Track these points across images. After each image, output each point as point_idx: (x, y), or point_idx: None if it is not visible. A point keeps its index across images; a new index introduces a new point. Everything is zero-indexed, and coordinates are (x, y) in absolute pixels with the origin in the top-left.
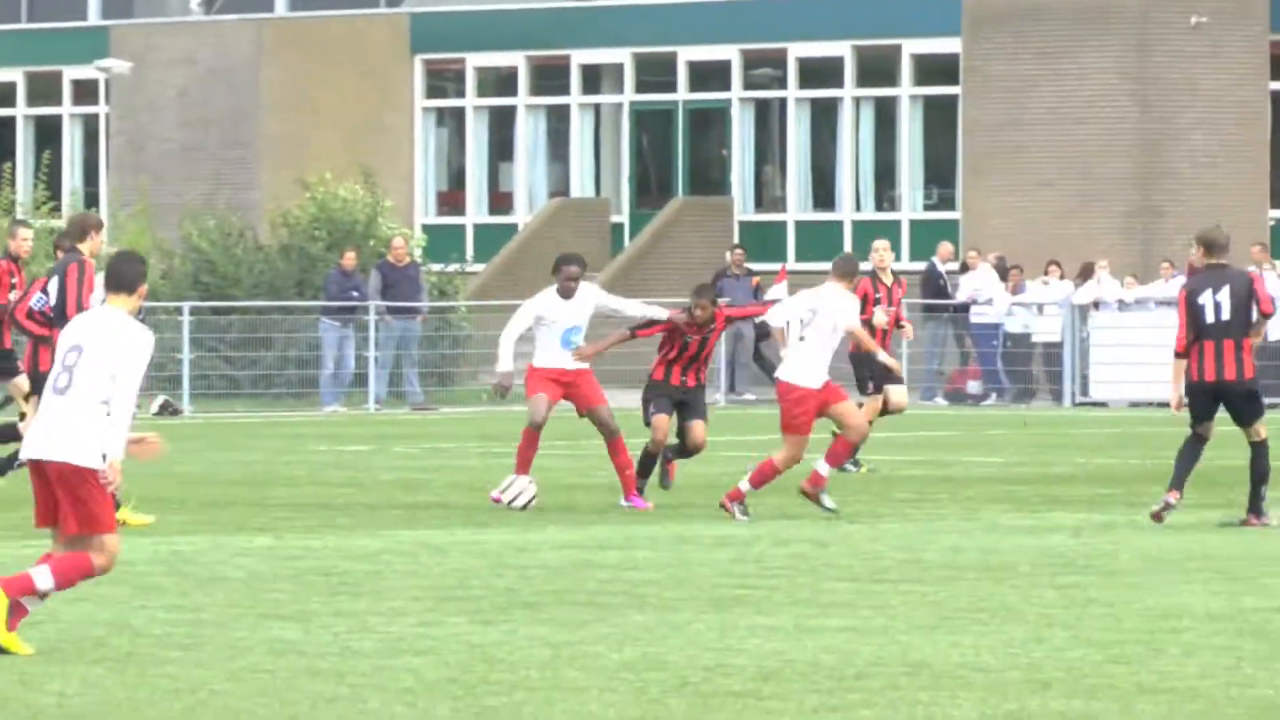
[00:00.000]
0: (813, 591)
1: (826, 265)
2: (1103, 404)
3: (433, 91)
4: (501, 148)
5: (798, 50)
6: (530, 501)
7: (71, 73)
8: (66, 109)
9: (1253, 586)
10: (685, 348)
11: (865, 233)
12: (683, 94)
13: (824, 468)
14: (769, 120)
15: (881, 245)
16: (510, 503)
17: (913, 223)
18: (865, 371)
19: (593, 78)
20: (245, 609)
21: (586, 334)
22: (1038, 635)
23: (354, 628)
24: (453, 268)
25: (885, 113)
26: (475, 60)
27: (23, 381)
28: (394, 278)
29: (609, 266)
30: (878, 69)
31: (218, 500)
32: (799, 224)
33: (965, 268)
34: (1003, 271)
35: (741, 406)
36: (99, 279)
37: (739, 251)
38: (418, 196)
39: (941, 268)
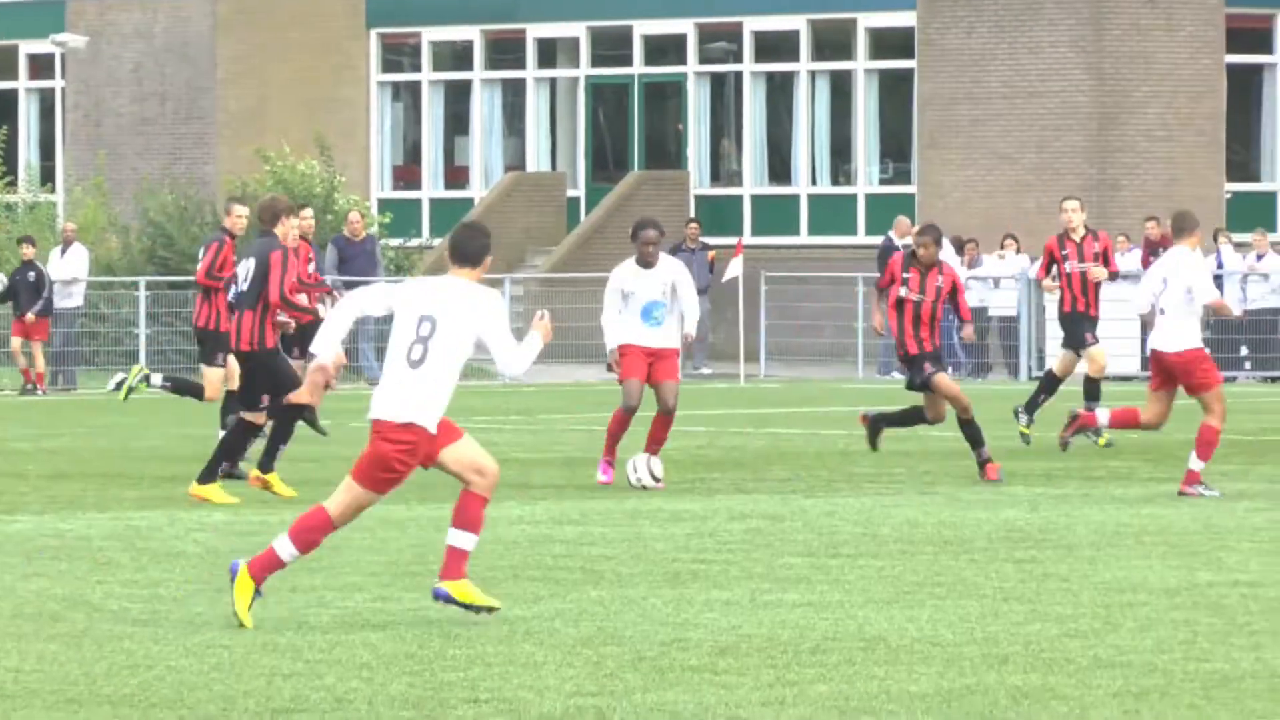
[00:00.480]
0: (768, 566)
1: (782, 239)
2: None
3: (388, 65)
4: (457, 122)
5: (753, 24)
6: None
7: (27, 47)
8: (22, 83)
9: (1208, 561)
10: (915, 308)
11: (821, 207)
12: (638, 68)
13: (1196, 463)
14: (724, 94)
15: (1070, 206)
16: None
17: (868, 197)
18: (1079, 329)
19: (548, 52)
20: (202, 584)
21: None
22: (994, 609)
23: (311, 603)
24: (415, 243)
25: (841, 86)
26: (431, 34)
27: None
28: (350, 252)
29: (565, 241)
30: (833, 42)
31: (174, 475)
32: (755, 198)
33: None
34: (959, 245)
35: (700, 381)
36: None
37: (694, 226)
38: (373, 171)
39: (898, 242)
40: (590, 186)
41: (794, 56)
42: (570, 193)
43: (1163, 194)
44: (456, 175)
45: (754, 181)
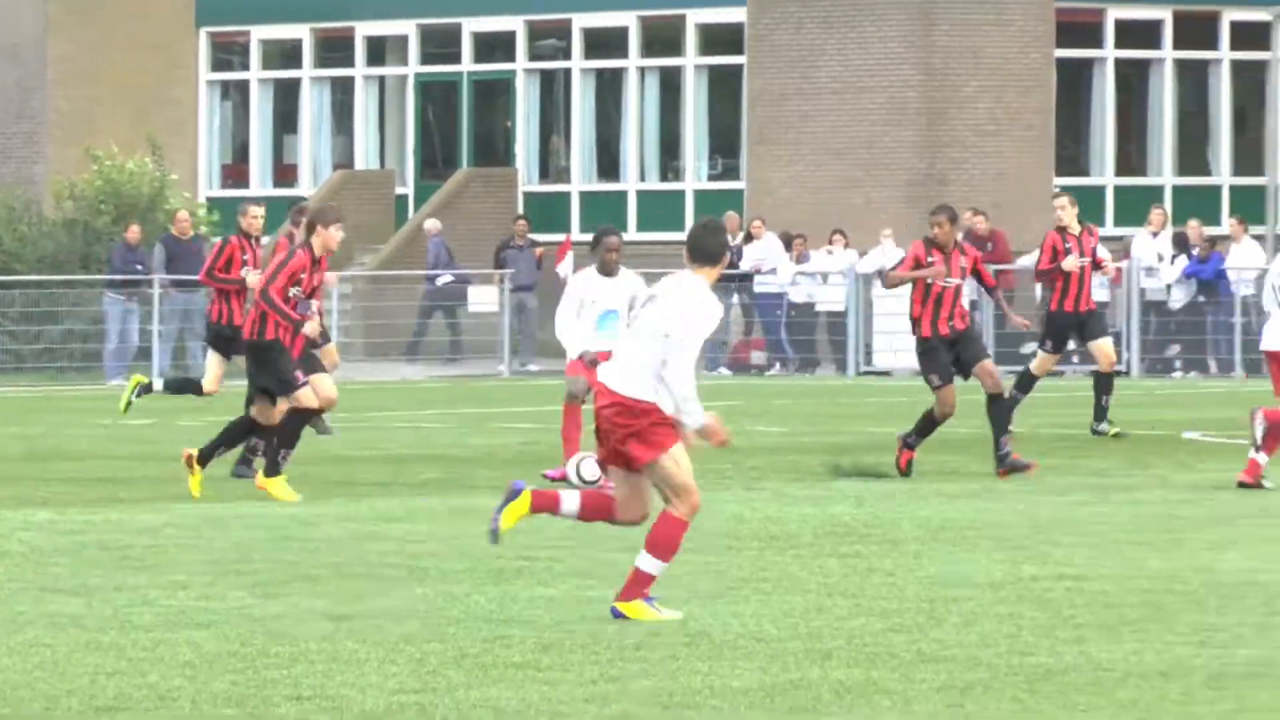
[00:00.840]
0: (593, 563)
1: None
2: (886, 373)
3: (218, 64)
4: (286, 120)
5: (582, 20)
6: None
7: None
8: None
9: (1033, 555)
10: (932, 293)
11: (650, 203)
12: (467, 65)
13: (1262, 457)
14: (554, 91)
15: (1060, 203)
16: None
17: (697, 193)
18: (1051, 332)
19: (377, 49)
20: (26, 583)
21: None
22: (819, 604)
23: (134, 601)
24: None
25: (670, 83)
26: (260, 32)
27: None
28: (178, 251)
29: (393, 238)
30: (663, 39)
31: None
32: (584, 194)
33: (750, 237)
34: (787, 241)
35: (527, 378)
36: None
37: (522, 223)
38: (202, 169)
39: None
40: (419, 184)
41: (623, 53)
42: (399, 190)
43: (991, 188)
44: (285, 173)
45: (582, 178)
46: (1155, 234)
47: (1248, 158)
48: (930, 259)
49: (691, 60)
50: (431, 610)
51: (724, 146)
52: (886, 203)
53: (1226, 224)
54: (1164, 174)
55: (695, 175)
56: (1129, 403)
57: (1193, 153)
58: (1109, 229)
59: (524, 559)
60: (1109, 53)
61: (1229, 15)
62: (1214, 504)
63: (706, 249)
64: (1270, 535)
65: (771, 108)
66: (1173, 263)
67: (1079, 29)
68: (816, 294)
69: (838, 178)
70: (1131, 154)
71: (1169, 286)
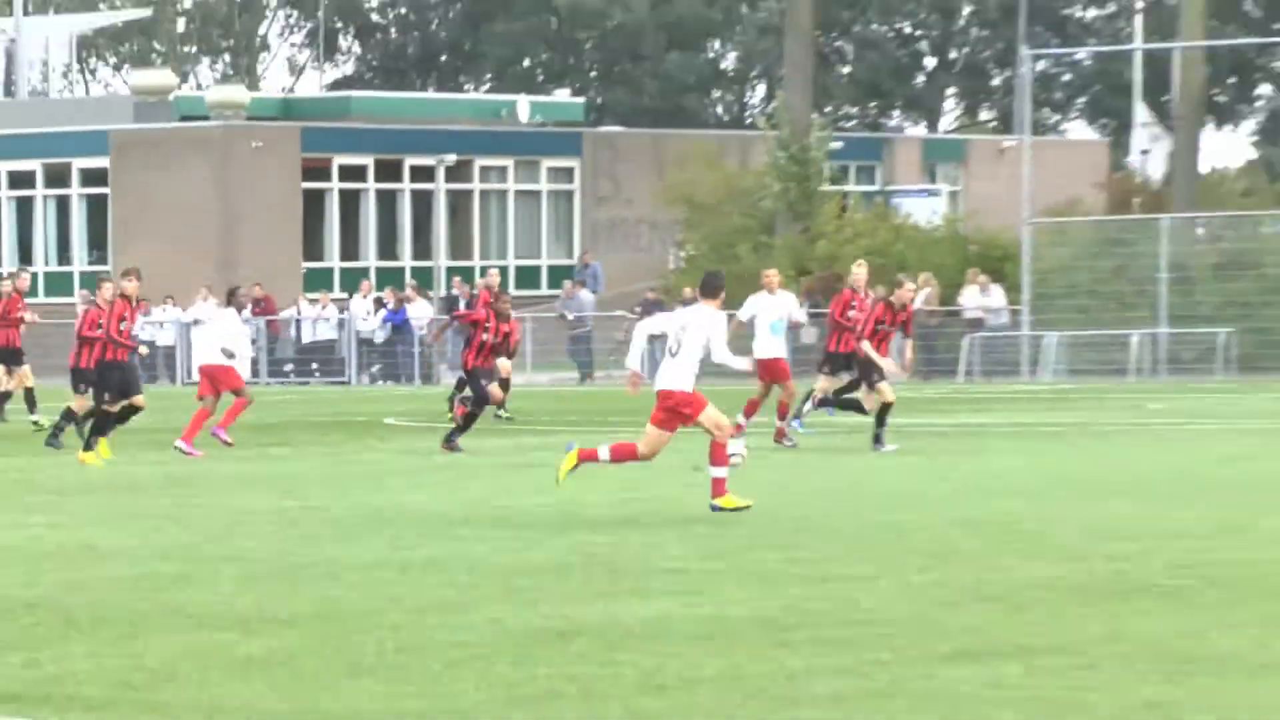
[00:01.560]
0: None
1: None
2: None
3: None
4: None
5: (7, 166)
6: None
7: None
8: None
9: (296, 495)
10: (486, 342)
11: (51, 281)
12: None
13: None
14: None
15: (492, 271)
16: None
17: (82, 274)
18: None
19: None
20: None
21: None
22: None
23: None
24: None
25: (64, 206)
26: None
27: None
28: None
29: None
30: (58, 177)
31: None
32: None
33: None
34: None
35: None
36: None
37: None
38: None
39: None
40: None
41: (33, 186)
42: None
43: (267, 272)
44: None
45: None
46: (364, 296)
47: (422, 247)
48: (487, 327)
49: (76, 190)
50: None
51: (100, 243)
52: (198, 278)
53: (408, 288)
54: (370, 259)
55: (80, 262)
56: (360, 399)
57: (388, 245)
58: (337, 294)
59: None
60: (335, 185)
61: (410, 160)
62: (412, 462)
63: (710, 287)
64: (457, 482)
65: (129, 218)
66: (376, 313)
67: (316, 170)
68: (158, 335)
69: (172, 263)
70: (349, 247)
71: (375, 329)
